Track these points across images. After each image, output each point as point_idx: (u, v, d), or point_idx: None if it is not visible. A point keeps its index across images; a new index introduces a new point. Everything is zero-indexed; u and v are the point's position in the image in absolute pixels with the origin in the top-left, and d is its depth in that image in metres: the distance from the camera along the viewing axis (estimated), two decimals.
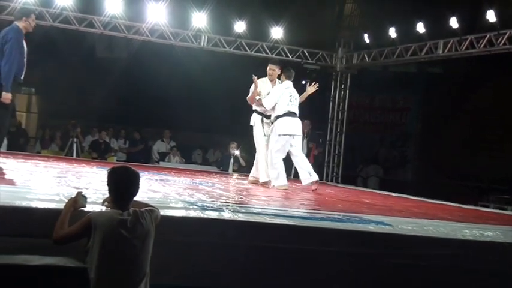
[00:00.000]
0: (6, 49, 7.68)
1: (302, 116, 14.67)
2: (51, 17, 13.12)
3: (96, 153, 15.32)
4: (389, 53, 14.69)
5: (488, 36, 12.46)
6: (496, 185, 16.08)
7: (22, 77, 7.97)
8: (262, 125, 10.23)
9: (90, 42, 15.78)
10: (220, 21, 14.40)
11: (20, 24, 7.95)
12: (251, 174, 10.62)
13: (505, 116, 16.13)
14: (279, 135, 9.85)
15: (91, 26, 13.55)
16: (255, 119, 10.33)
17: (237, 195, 8.22)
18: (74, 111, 17.49)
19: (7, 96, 7.68)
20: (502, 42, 12.22)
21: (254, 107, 10.30)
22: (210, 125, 19.50)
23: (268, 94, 9.99)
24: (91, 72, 18.47)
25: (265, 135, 10.15)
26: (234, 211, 5.66)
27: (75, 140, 14.46)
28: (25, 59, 7.96)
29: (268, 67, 10.28)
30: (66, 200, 4.40)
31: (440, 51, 13.54)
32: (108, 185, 4.21)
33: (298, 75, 15.35)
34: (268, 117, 10.16)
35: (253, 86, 10.05)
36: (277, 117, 9.91)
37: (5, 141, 14.33)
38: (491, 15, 12.14)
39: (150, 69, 17.55)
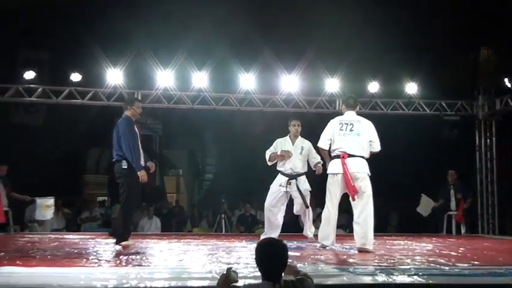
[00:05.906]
0: (120, 140, 8.38)
1: (447, 167, 14.07)
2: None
3: (243, 227, 15.53)
4: None
5: None
6: None
7: (142, 162, 8.48)
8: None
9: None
10: (354, 83, 14.36)
11: (128, 112, 8.65)
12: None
13: None
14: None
15: (227, 103, 14.03)
16: None
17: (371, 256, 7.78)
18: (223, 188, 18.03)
19: (142, 174, 8.28)
20: None
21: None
22: None
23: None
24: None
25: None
26: (388, 274, 5.47)
27: (223, 216, 14.76)
28: (139, 145, 8.52)
29: (292, 123, 9.86)
30: (218, 277, 4.44)
31: None
32: (255, 259, 4.20)
33: (437, 128, 15.03)
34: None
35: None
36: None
37: (159, 223, 15.04)
38: None
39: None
